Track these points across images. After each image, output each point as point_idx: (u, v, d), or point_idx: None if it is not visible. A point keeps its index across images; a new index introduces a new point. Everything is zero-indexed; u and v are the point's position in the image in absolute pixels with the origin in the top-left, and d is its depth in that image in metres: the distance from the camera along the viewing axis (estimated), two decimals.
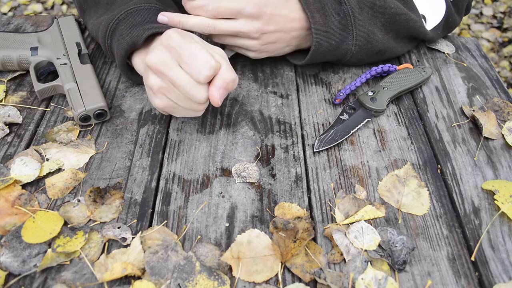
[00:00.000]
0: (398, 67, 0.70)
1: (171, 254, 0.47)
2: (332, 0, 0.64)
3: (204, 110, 0.56)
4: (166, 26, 0.60)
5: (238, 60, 0.74)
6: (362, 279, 0.46)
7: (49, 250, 0.47)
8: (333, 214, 0.52)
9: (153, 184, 0.55)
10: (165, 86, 0.53)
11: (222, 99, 0.52)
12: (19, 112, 0.62)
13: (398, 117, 0.66)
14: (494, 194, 0.55)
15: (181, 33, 0.52)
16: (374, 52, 0.69)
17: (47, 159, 0.56)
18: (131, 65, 0.64)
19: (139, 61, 0.61)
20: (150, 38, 0.60)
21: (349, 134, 0.61)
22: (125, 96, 0.67)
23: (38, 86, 0.63)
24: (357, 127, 0.62)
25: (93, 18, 0.68)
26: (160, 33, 0.58)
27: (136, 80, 0.66)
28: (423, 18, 0.72)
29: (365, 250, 0.48)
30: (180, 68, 0.51)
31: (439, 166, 0.59)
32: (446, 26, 0.76)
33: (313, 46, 0.64)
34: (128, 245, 0.48)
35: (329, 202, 0.54)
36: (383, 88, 0.66)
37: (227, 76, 0.52)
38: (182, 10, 0.63)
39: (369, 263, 0.47)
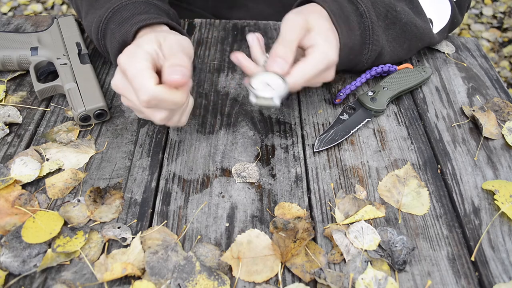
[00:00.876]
0: (398, 67, 0.70)
1: (171, 254, 0.47)
2: (353, 10, 0.62)
3: (185, 103, 0.53)
4: (155, 17, 0.58)
5: None
6: (362, 279, 0.46)
7: (49, 250, 0.47)
8: (333, 214, 0.52)
9: (153, 184, 0.55)
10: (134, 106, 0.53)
11: (184, 76, 0.49)
12: (19, 112, 0.62)
13: (398, 117, 0.66)
14: (494, 194, 0.55)
15: (127, 54, 0.51)
16: (379, 63, 0.70)
17: (47, 159, 0.56)
18: None
19: None
20: (138, 34, 0.59)
21: (349, 134, 0.61)
22: None
23: (38, 86, 0.63)
24: (357, 127, 0.62)
25: (85, 17, 0.68)
26: (148, 25, 0.57)
27: None
28: (430, 22, 0.71)
29: (365, 250, 0.48)
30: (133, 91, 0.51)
31: (439, 166, 0.59)
32: (451, 27, 0.76)
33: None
34: (128, 245, 0.48)
35: (329, 202, 0.54)
36: (383, 88, 0.66)
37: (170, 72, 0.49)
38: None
39: (369, 263, 0.47)
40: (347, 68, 0.68)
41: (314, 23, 0.57)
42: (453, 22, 0.75)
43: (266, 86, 0.53)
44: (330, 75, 0.59)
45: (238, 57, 0.57)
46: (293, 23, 0.56)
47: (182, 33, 0.60)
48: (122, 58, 0.50)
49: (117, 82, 0.52)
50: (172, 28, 0.59)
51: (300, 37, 0.56)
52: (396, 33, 0.67)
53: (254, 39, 0.58)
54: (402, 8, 0.66)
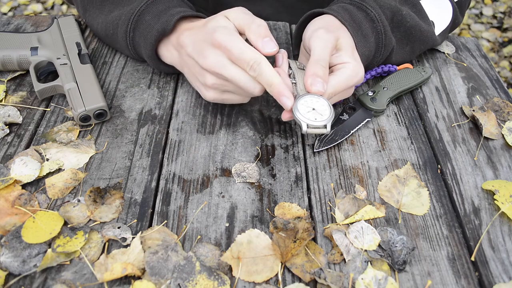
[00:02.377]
0: (398, 67, 0.70)
1: (171, 254, 0.47)
2: (363, 17, 0.62)
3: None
4: (190, 10, 0.61)
5: None
6: (362, 279, 0.46)
7: (49, 250, 0.47)
8: (333, 214, 0.52)
9: (153, 184, 0.55)
10: (220, 83, 0.55)
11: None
12: (19, 112, 0.62)
13: (398, 117, 0.66)
14: (494, 194, 0.55)
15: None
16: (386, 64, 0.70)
17: (47, 159, 0.56)
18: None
19: (166, 51, 0.62)
20: (175, 25, 0.61)
21: (349, 134, 0.61)
22: (125, 96, 0.67)
23: (38, 86, 0.63)
24: (357, 127, 0.62)
25: (100, 16, 0.68)
26: (187, 16, 0.60)
27: (165, 69, 0.67)
28: (432, 24, 0.71)
29: (365, 250, 0.48)
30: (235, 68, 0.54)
31: (439, 166, 0.59)
32: (452, 28, 0.76)
33: None
34: (128, 245, 0.48)
35: (329, 202, 0.54)
36: (383, 88, 0.66)
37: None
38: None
39: (369, 263, 0.47)
40: None
41: (343, 43, 0.58)
42: (454, 23, 0.75)
43: (312, 112, 0.51)
44: (350, 93, 0.62)
45: (281, 75, 0.54)
46: (326, 43, 0.56)
47: None
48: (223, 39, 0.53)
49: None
50: None
51: (331, 56, 0.57)
52: (400, 36, 0.67)
53: (285, 58, 0.58)
54: (408, 12, 0.66)
